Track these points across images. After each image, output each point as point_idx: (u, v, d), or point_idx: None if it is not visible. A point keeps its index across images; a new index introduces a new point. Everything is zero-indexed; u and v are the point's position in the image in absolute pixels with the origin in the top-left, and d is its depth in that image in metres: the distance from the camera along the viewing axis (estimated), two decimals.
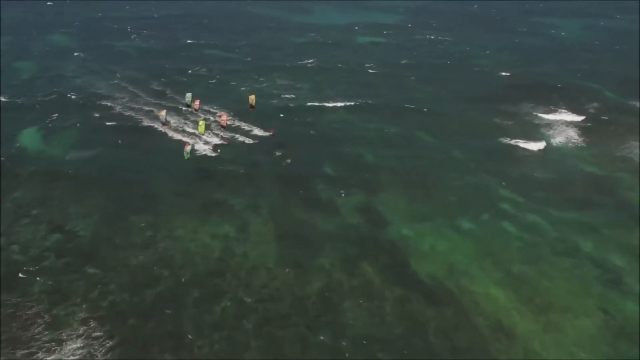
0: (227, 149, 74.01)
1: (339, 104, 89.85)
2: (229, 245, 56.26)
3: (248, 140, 76.51)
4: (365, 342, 44.58)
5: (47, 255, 54.66)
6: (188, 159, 68.00)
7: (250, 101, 77.31)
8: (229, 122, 79.04)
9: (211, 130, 77.28)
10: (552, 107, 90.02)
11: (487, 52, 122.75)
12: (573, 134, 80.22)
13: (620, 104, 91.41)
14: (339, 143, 77.44)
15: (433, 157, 74.11)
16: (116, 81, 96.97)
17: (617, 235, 57.55)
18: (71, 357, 42.14)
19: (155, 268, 52.80)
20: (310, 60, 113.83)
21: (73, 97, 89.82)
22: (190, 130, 77.66)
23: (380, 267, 53.18)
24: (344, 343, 44.33)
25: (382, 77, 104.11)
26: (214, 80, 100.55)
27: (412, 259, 54.09)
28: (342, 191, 65.64)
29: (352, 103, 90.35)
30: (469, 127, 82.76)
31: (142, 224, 58.84)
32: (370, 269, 52.78)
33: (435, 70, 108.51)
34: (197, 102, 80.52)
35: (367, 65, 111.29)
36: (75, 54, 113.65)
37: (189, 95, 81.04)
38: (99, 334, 44.60)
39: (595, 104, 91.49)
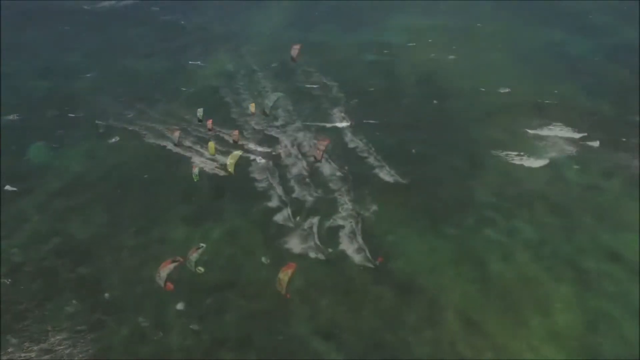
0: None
1: (338, 123, 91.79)
2: (219, 247, 58.86)
3: (250, 156, 78.80)
4: (336, 332, 46.65)
5: (46, 256, 57.93)
6: (197, 180, 65.18)
7: (251, 109, 78.79)
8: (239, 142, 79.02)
9: (219, 150, 78.32)
10: (548, 121, 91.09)
11: (490, 69, 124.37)
12: (566, 147, 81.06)
13: (619, 119, 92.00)
14: (335, 159, 79.51)
15: (424, 169, 75.71)
16: (124, 99, 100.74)
17: (596, 239, 58.59)
18: (57, 347, 44.72)
19: (145, 268, 55.52)
20: (313, 79, 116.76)
21: (81, 115, 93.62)
22: (199, 149, 79.78)
23: (362, 268, 55.04)
24: (316, 334, 46.37)
25: (382, 94, 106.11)
26: (217, 97, 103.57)
27: (392, 261, 55.91)
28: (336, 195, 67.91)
29: (351, 122, 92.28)
30: (462, 141, 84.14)
31: (134, 229, 61.78)
32: (351, 270, 54.69)
33: (434, 88, 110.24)
34: (209, 122, 77.31)
35: (370, 82, 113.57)
36: (88, 74, 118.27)
37: (200, 110, 76.87)
38: (84, 327, 47.23)
39: (593, 119, 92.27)
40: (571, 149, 74.36)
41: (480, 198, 66.51)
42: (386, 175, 69.71)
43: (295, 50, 72.41)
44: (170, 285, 45.09)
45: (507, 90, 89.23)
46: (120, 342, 48.96)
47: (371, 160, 72.94)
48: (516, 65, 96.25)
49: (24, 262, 57.24)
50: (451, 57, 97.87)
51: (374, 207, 64.44)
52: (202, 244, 48.12)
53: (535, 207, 64.95)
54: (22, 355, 44.93)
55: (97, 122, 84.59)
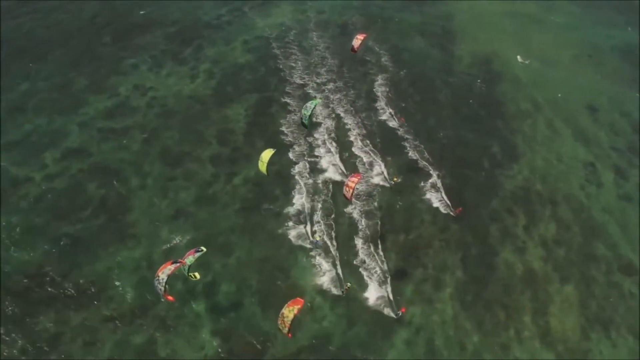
0: None
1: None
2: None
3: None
4: None
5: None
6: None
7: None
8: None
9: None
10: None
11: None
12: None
13: None
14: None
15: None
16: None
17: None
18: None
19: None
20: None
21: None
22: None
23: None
24: None
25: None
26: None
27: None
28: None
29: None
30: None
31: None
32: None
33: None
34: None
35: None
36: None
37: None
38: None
39: None
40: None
41: (507, 188, 66.10)
42: (415, 154, 69.58)
43: (357, 40, 66.34)
44: (170, 297, 41.71)
45: (562, 86, 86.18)
46: (131, 265, 52.89)
47: (401, 132, 72.69)
48: (579, 62, 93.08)
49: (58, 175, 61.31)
50: (514, 44, 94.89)
51: (398, 180, 64.93)
52: (202, 247, 42.05)
53: (561, 207, 64.24)
54: None
55: (147, 57, 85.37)
